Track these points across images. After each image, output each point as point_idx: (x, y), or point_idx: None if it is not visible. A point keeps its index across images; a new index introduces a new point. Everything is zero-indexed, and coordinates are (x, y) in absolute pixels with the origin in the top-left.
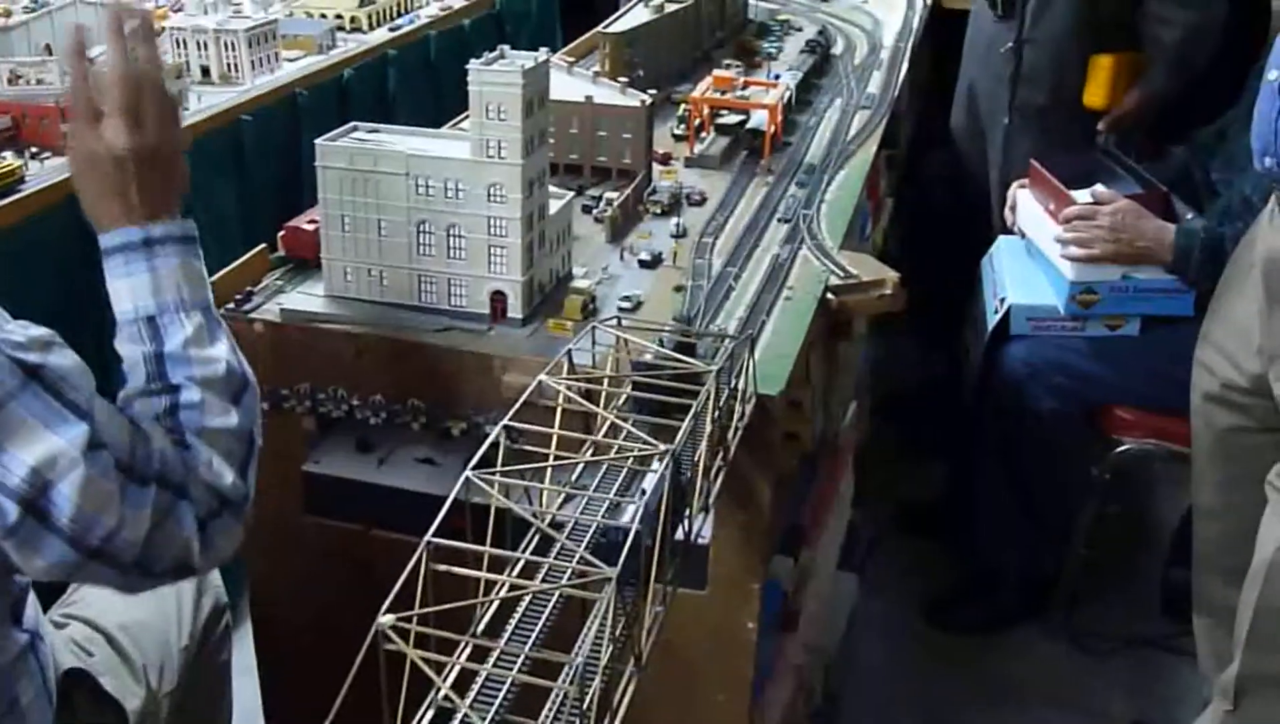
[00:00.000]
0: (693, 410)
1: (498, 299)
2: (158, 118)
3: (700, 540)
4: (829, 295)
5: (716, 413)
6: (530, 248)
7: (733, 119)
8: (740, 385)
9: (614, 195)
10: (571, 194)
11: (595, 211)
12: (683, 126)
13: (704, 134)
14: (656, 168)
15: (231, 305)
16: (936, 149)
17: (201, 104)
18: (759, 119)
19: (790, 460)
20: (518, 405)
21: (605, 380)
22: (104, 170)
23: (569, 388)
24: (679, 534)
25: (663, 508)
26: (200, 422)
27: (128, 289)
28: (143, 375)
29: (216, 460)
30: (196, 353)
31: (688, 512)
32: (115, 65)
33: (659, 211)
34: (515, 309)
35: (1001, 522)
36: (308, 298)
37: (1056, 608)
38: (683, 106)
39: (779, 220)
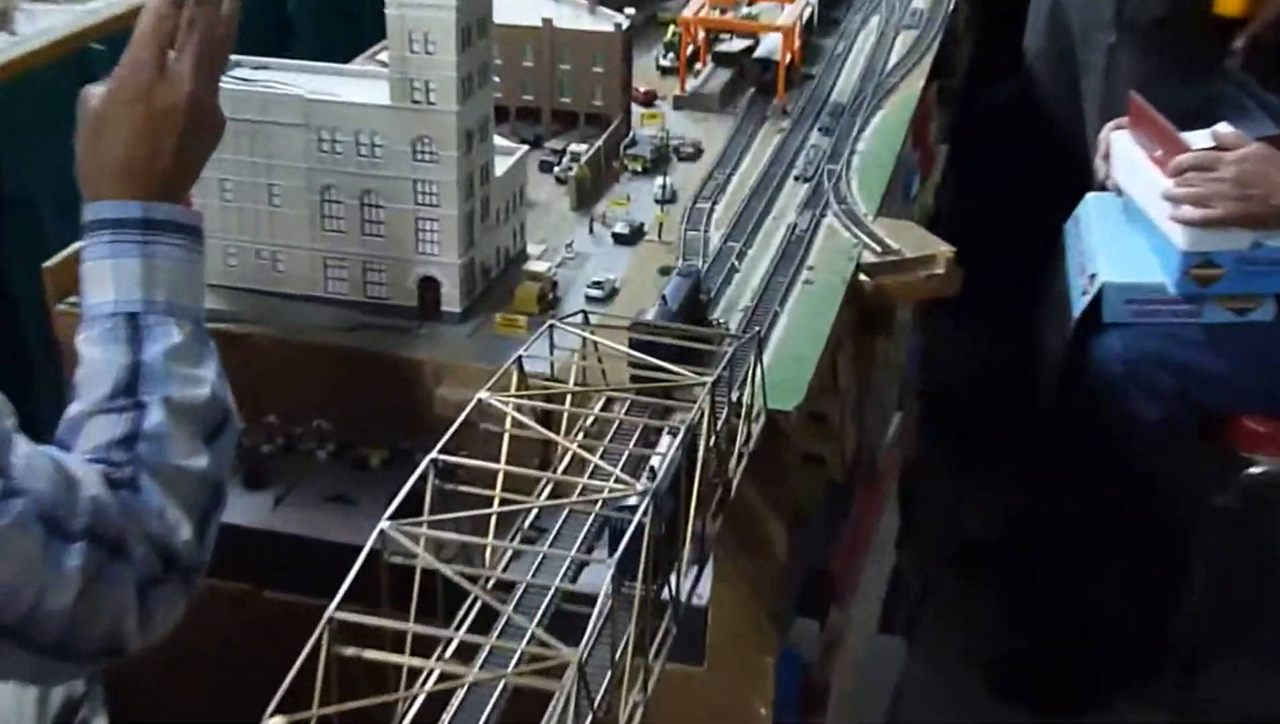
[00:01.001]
0: (680, 435)
1: (428, 288)
2: (219, 77)
3: (696, 601)
4: (862, 277)
5: (714, 436)
6: (470, 221)
7: (736, 45)
8: (746, 399)
9: (581, 149)
10: (525, 148)
11: (557, 170)
12: (671, 56)
13: (699, 66)
14: (636, 111)
15: (74, 299)
16: (1006, 79)
17: (33, 26)
18: (770, 45)
19: (813, 493)
20: (452, 430)
21: (568, 397)
22: (142, 118)
23: (520, 407)
24: (666, 594)
25: (644, 562)
26: (162, 457)
27: (110, 274)
28: (108, 386)
29: (172, 510)
30: (179, 369)
31: (677, 565)
32: (209, 2)
33: (640, 170)
34: (451, 301)
35: (1090, 565)
36: None
37: (1164, 678)
38: (671, 30)
39: (797, 179)
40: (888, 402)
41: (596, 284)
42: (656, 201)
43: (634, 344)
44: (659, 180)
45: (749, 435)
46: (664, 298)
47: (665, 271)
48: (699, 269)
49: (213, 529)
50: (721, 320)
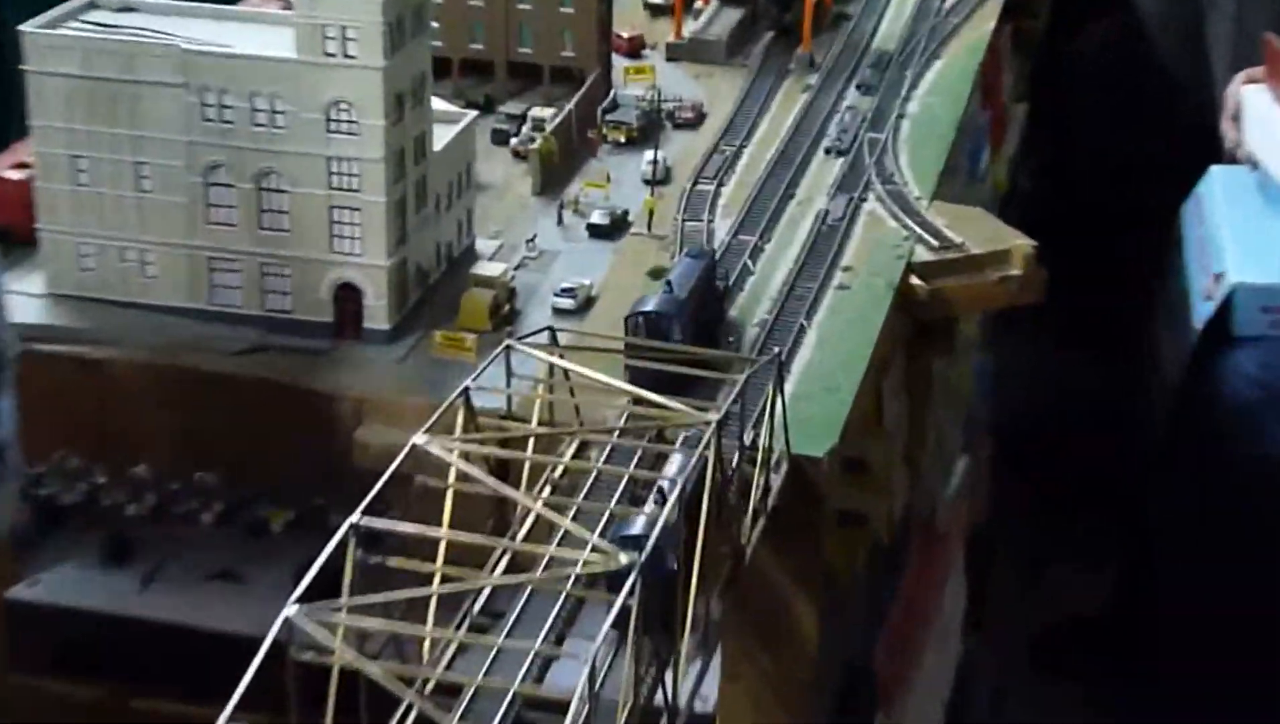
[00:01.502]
0: (677, 490)
1: (347, 299)
2: None
3: (700, 707)
4: (914, 280)
5: (720, 490)
6: (401, 210)
7: None
8: (763, 440)
9: (546, 114)
10: (473, 114)
11: (515, 142)
12: None
13: (699, 4)
14: (618, 65)
15: None
16: (1102, 19)
17: None
18: None
19: (852, 562)
20: (380, 486)
21: (530, 441)
22: None
23: (468, 455)
24: (660, 699)
25: (630, 657)
26: None
27: None
28: None
29: None
30: None
31: (674, 660)
32: None
33: (623, 141)
34: (377, 315)
35: (1227, 653)
36: (15, 300)
37: None
38: None
39: (829, 152)
40: (950, 442)
41: (567, 291)
42: (645, 183)
43: (630, 373)
44: (648, 155)
45: (767, 488)
46: (669, 284)
47: (657, 274)
48: (713, 250)
49: None
50: (730, 340)
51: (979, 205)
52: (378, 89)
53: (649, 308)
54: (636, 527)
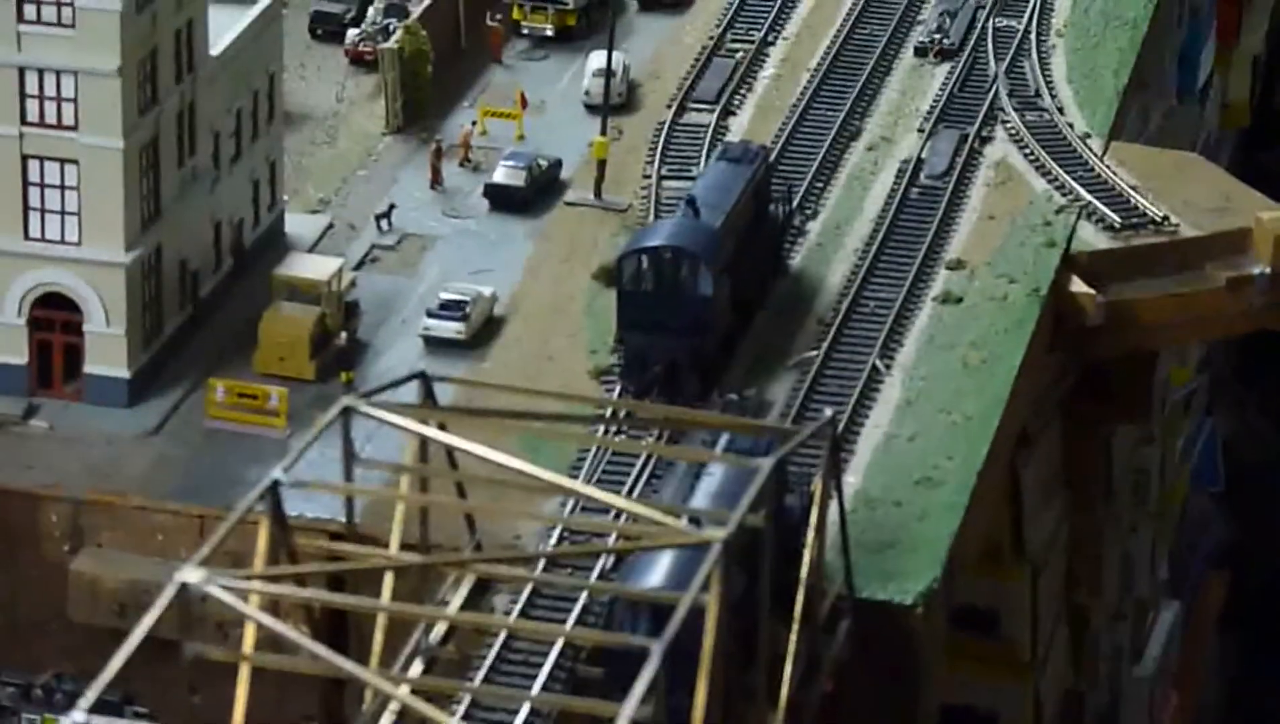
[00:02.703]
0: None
1: (53, 321)
2: None
3: None
4: (1078, 286)
5: (730, 666)
6: (151, 161)
7: None
8: (805, 572)
9: None
10: None
11: (354, 37)
12: None
13: None
14: None
15: None
16: None
17: None
18: None
19: None
20: (121, 658)
21: (386, 580)
22: None
23: (275, 605)
24: None
25: None
26: None
27: None
28: None
29: None
30: None
31: None
32: None
33: (549, 31)
34: (108, 351)
35: None
36: None
37: None
38: None
39: (923, 52)
40: (1145, 579)
41: (451, 307)
42: (589, 110)
43: (626, 354)
44: (595, 59)
45: (813, 662)
46: (692, 202)
47: (608, 280)
48: (766, 149)
49: None
50: (745, 384)
51: (1195, 147)
52: None
53: (659, 242)
54: None
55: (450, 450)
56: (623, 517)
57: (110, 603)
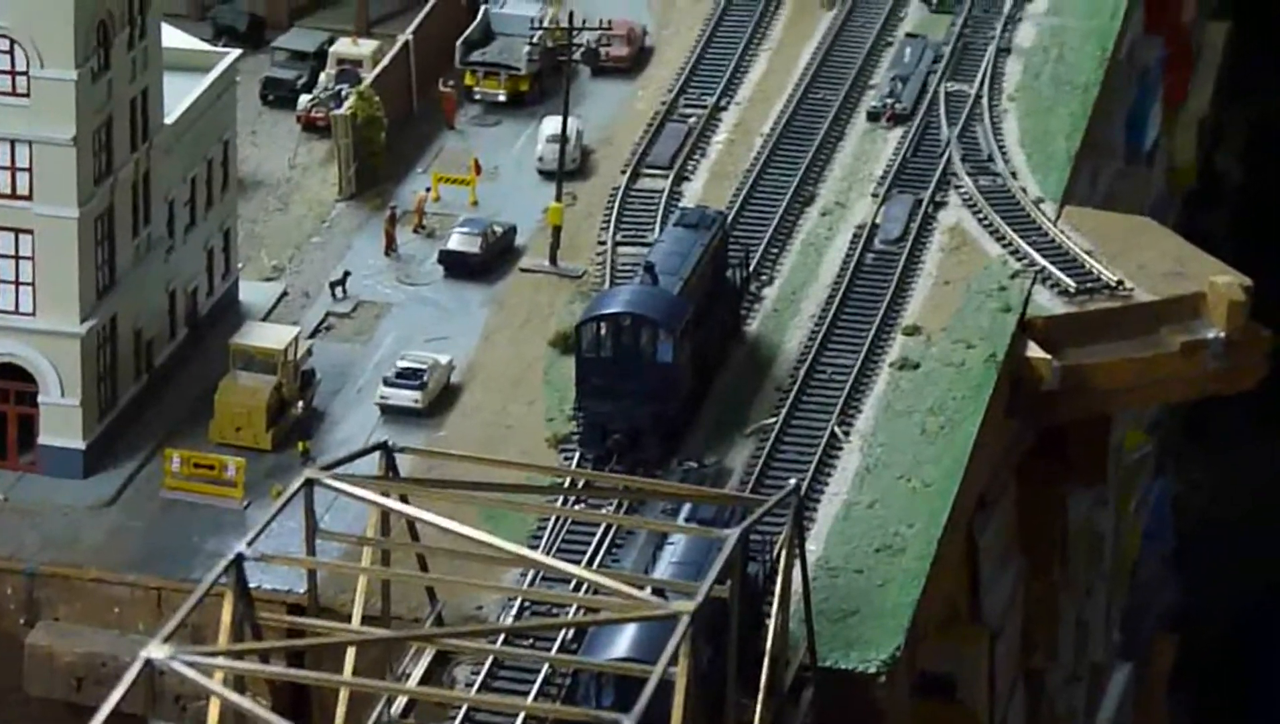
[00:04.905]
0: None
1: (8, 392)
2: None
3: None
4: (1034, 352)
5: None
6: (106, 230)
7: None
8: (770, 643)
9: (361, 50)
10: (233, 54)
11: (306, 102)
12: None
13: None
14: None
15: None
16: None
17: None
18: None
19: None
20: None
21: (348, 657)
22: None
23: (239, 682)
24: None
25: None
26: None
27: None
28: None
29: None
30: None
31: None
32: None
33: (503, 97)
34: (64, 422)
35: None
36: None
37: None
38: None
39: (876, 116)
40: (1100, 642)
41: (408, 376)
42: (542, 174)
43: (584, 419)
44: (549, 124)
45: None
46: (650, 269)
47: (565, 347)
48: (723, 214)
49: None
50: (700, 450)
51: (1143, 209)
52: (64, 9)
53: (617, 309)
54: None
55: (410, 522)
56: (584, 587)
57: (67, 676)
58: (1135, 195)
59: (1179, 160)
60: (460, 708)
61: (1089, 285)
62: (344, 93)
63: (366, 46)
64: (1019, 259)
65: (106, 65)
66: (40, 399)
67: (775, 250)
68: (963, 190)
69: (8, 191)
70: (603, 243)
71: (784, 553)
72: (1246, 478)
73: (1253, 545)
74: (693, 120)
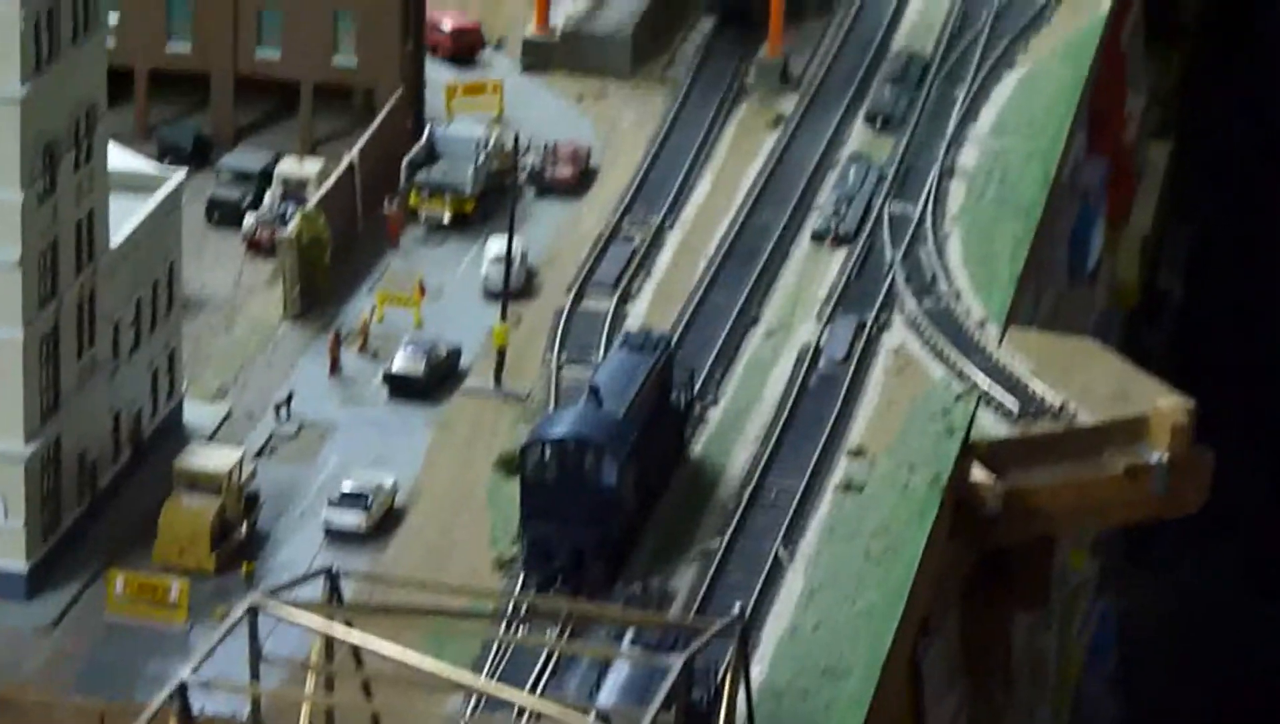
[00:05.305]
0: None
1: None
2: None
3: None
4: (978, 475)
5: None
6: (51, 352)
7: None
8: None
9: (307, 170)
10: (179, 175)
11: (252, 222)
12: None
13: None
14: (437, 80)
15: None
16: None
17: None
18: None
19: None
20: None
21: None
22: None
23: None
24: None
25: None
26: None
27: None
28: None
29: None
30: None
31: None
32: None
33: (447, 218)
34: (6, 546)
35: None
36: None
37: None
38: None
39: (820, 238)
40: None
41: (352, 498)
42: (490, 296)
43: (529, 533)
44: (494, 246)
45: None
46: (595, 392)
47: (509, 469)
48: (667, 337)
49: None
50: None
51: (1087, 328)
52: (11, 132)
53: (562, 432)
54: None
55: (355, 649)
56: (528, 714)
57: None
58: (1079, 314)
59: (1122, 278)
60: None
61: (1033, 408)
62: (289, 213)
63: (311, 166)
64: (963, 381)
65: (53, 187)
66: None
67: (720, 372)
68: (907, 312)
69: None
70: (547, 364)
71: (729, 679)
72: (1188, 598)
73: (1194, 666)
74: (637, 240)
